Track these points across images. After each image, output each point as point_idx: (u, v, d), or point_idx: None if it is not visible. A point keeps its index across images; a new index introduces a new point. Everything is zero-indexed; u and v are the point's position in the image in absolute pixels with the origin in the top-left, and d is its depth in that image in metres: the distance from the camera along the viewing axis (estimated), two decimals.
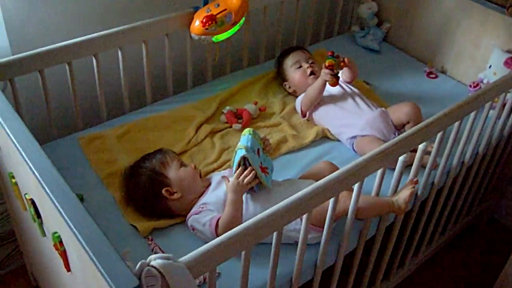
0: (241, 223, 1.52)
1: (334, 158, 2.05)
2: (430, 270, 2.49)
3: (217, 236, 1.54)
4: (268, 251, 1.46)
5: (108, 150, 1.98)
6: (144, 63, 2.13)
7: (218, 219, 1.60)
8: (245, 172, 1.63)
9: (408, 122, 2.14)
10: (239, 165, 1.64)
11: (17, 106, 1.84)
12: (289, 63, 2.35)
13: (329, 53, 2.20)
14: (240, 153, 1.63)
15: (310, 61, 2.34)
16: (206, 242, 1.23)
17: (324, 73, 2.14)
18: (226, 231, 1.49)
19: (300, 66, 2.32)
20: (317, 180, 1.43)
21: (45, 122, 2.03)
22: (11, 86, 1.81)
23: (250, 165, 1.64)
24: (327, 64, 2.15)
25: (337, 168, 1.83)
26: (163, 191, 1.70)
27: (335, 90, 2.25)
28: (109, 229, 1.67)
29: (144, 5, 2.19)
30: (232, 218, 1.58)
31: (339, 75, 2.20)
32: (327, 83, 2.15)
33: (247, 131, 1.73)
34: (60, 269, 1.48)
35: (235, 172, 1.65)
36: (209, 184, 1.79)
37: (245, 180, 1.62)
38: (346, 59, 2.19)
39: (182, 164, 1.80)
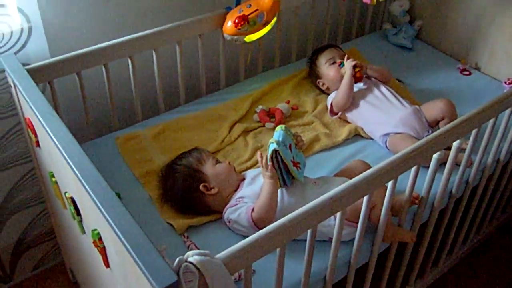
0: (275, 210, 1.61)
1: (367, 156, 2.05)
2: (464, 269, 2.46)
3: (253, 221, 1.60)
4: (302, 247, 1.47)
5: (144, 150, 2.02)
6: (178, 63, 2.16)
7: (253, 208, 1.64)
8: (261, 162, 1.67)
9: (442, 119, 2.12)
10: (272, 159, 1.66)
11: (55, 107, 1.88)
12: (323, 60, 2.35)
13: (339, 62, 2.29)
14: (272, 147, 1.65)
15: (344, 58, 2.34)
16: (244, 236, 1.25)
17: (348, 63, 2.19)
18: (261, 216, 1.59)
19: (335, 62, 2.33)
20: (350, 178, 1.44)
21: (82, 123, 2.08)
22: (50, 88, 1.86)
23: (282, 159, 1.66)
24: (346, 57, 2.24)
25: (370, 167, 1.84)
26: (200, 186, 1.74)
27: (368, 88, 2.25)
28: (146, 226, 1.66)
29: (177, 7, 2.22)
30: (266, 201, 1.62)
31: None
32: (353, 76, 2.17)
33: (279, 127, 1.75)
34: (99, 265, 1.51)
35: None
36: (243, 179, 1.82)
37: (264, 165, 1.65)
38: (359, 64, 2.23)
39: (217, 161, 1.83)
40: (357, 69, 2.18)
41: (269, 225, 1.60)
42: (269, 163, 1.64)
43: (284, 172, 1.69)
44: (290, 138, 1.74)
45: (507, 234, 2.65)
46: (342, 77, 2.22)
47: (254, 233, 1.58)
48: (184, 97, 2.27)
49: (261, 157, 1.67)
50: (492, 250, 2.57)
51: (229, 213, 1.69)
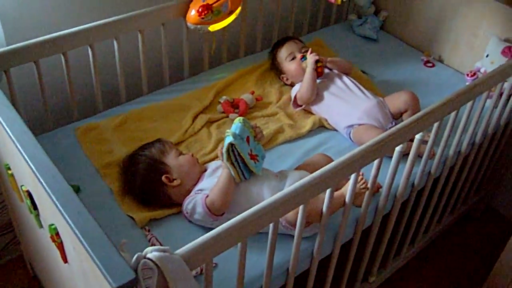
0: (229, 198, 1.63)
1: (331, 147, 2.05)
2: (426, 259, 2.50)
3: (207, 207, 1.61)
4: (265, 239, 1.46)
5: (105, 141, 1.98)
6: (140, 52, 2.11)
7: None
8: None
9: (406, 111, 2.13)
10: (228, 152, 1.64)
11: (12, 97, 1.83)
12: (283, 55, 2.34)
13: (301, 56, 2.27)
14: (228, 140, 1.64)
15: (303, 50, 2.32)
16: (205, 229, 1.23)
17: (310, 57, 2.18)
18: (213, 202, 1.61)
19: (295, 57, 2.31)
20: (312, 172, 1.43)
21: (41, 113, 2.02)
22: (6, 77, 1.79)
23: (237, 151, 1.64)
24: (310, 51, 2.23)
25: (332, 160, 1.84)
26: (162, 178, 1.72)
27: (331, 79, 2.25)
28: (106, 220, 1.67)
29: None
30: (219, 188, 1.63)
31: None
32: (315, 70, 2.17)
33: (237, 119, 1.73)
34: (58, 260, 1.48)
35: (224, 159, 1.66)
36: (205, 170, 1.80)
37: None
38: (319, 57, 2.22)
39: (181, 153, 1.82)
40: (319, 64, 2.18)
41: (223, 211, 1.61)
42: (224, 156, 1.64)
43: (241, 165, 1.68)
44: (248, 131, 1.72)
45: (467, 224, 2.70)
46: (304, 71, 2.21)
47: (211, 222, 1.61)
48: (147, 86, 2.23)
49: (221, 153, 1.66)
50: (452, 239, 2.61)
51: (187, 204, 1.68)
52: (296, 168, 1.88)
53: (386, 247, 2.08)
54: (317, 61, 2.18)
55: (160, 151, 1.78)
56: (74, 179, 1.80)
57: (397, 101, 2.15)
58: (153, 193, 1.74)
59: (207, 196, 1.64)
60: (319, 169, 1.42)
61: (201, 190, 1.71)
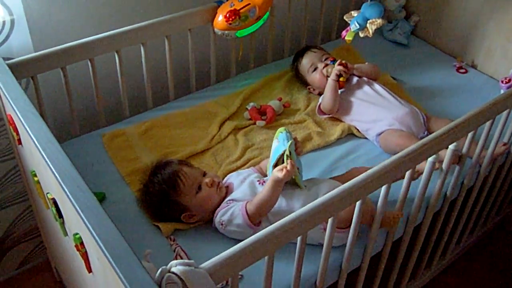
0: (271, 208, 1.56)
1: (361, 156, 2.01)
2: (458, 271, 2.43)
3: (248, 214, 1.54)
4: (292, 249, 1.42)
5: (131, 147, 1.96)
6: (167, 58, 2.10)
7: (247, 203, 1.58)
8: (289, 168, 1.53)
9: None
10: (282, 161, 1.58)
11: (39, 103, 1.83)
12: (305, 68, 2.30)
13: (331, 59, 2.22)
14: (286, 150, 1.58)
15: (324, 58, 2.28)
16: (232, 239, 1.19)
17: (335, 69, 2.13)
18: (256, 210, 1.53)
19: (316, 68, 2.26)
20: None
21: (67, 119, 2.02)
22: (33, 83, 1.80)
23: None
24: (338, 62, 2.17)
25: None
26: (182, 217, 1.66)
27: (360, 86, 2.20)
28: (131, 228, 1.66)
29: (167, 0, 2.15)
30: (267, 198, 1.54)
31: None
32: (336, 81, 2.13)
33: (283, 130, 1.68)
34: (82, 269, 1.46)
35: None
36: (227, 189, 1.73)
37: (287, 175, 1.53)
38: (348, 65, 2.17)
39: (199, 184, 1.68)
40: (341, 79, 2.13)
41: (261, 219, 1.56)
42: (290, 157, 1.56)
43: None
44: (293, 143, 1.66)
45: (500, 235, 2.62)
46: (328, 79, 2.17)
47: (247, 232, 1.54)
48: (173, 93, 2.21)
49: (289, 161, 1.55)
50: (485, 251, 2.53)
51: (221, 215, 1.61)
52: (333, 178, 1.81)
53: (416, 258, 2.02)
54: (339, 75, 2.13)
55: (173, 189, 1.65)
56: (100, 185, 1.79)
57: (444, 122, 2.04)
58: (175, 220, 1.69)
59: (246, 204, 1.57)
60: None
61: (232, 199, 1.65)
